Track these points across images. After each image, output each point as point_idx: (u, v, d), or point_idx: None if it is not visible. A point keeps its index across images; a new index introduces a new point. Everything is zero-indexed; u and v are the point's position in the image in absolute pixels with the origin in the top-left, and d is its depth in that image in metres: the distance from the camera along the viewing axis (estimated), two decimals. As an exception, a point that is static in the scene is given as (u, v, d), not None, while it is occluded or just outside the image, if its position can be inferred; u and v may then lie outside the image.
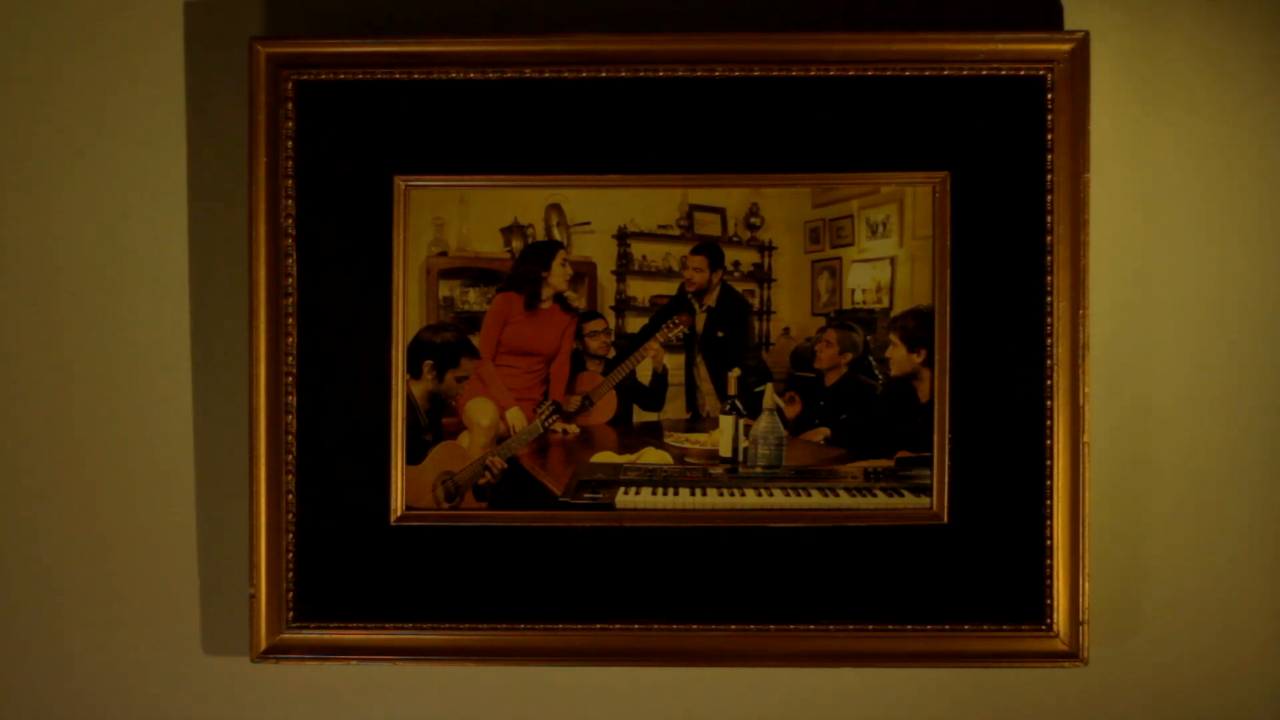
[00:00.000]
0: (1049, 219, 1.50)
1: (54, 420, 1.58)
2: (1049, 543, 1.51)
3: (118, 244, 1.58)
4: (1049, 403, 1.50)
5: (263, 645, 1.52)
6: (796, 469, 1.54)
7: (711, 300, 1.56)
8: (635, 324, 1.56)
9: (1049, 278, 1.50)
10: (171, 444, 1.58)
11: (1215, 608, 1.58)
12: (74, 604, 1.59)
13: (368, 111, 1.52)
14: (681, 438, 1.55)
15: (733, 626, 1.52)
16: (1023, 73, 1.50)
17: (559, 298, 1.55)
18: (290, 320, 1.52)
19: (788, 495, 1.53)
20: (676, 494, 1.54)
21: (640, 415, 1.56)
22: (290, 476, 1.52)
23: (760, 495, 1.54)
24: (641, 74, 1.51)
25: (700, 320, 1.56)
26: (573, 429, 1.56)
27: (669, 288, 1.55)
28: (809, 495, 1.53)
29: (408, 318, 1.53)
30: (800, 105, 1.51)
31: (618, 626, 1.53)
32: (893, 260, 1.52)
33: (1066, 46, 1.49)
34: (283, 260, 1.51)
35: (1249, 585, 1.58)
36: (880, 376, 1.53)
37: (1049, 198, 1.50)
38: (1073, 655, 1.51)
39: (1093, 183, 1.50)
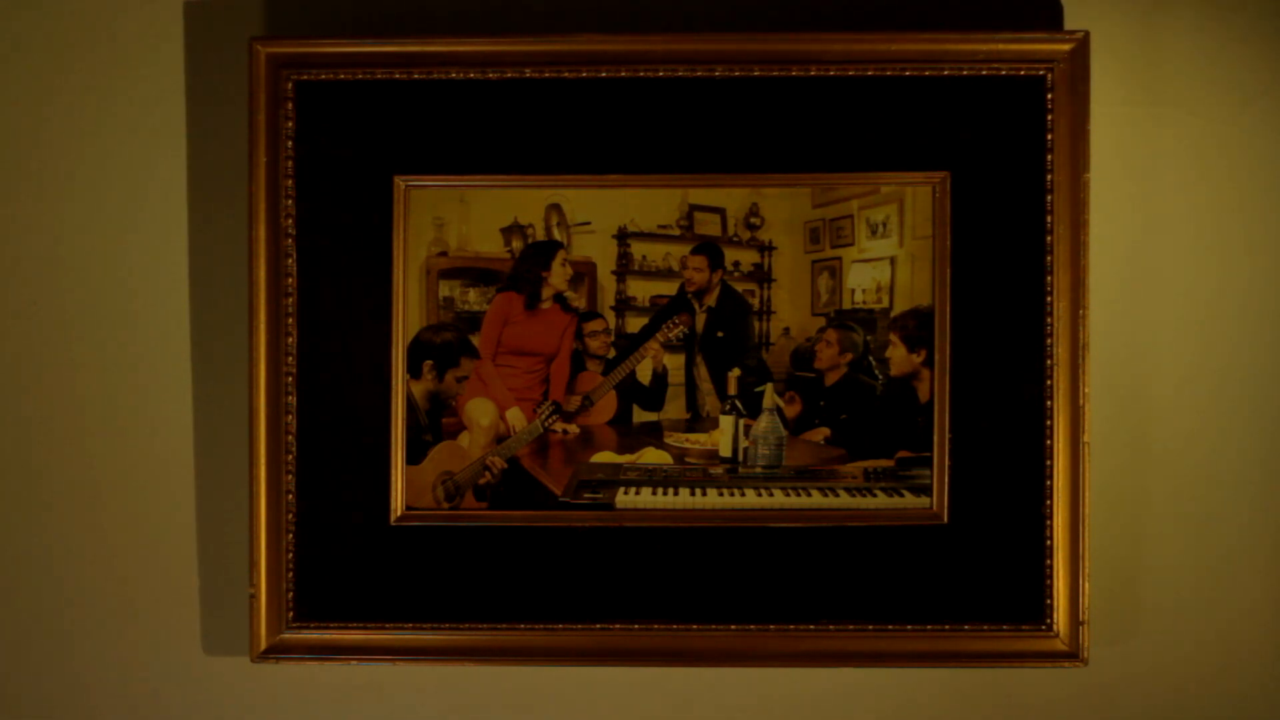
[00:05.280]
0: (1049, 219, 1.50)
1: (54, 420, 1.58)
2: (1049, 543, 1.51)
3: (118, 244, 1.58)
4: (1049, 403, 1.50)
5: (263, 645, 1.52)
6: (796, 469, 1.54)
7: (711, 300, 1.56)
8: (635, 324, 1.56)
9: (1049, 278, 1.50)
10: (172, 444, 1.58)
11: (1215, 608, 1.58)
12: (74, 604, 1.59)
13: (368, 111, 1.52)
14: (681, 438, 1.55)
15: (733, 626, 1.52)
16: (1023, 73, 1.50)
17: (559, 298, 1.55)
18: (290, 320, 1.52)
19: (788, 495, 1.53)
20: (676, 494, 1.54)
21: (640, 415, 1.56)
22: (290, 476, 1.52)
23: (760, 495, 1.54)
24: (641, 74, 1.51)
25: (700, 320, 1.56)
26: (573, 429, 1.56)
27: (669, 288, 1.55)
28: (809, 495, 1.53)
29: (408, 318, 1.53)
30: (800, 105, 1.51)
31: (618, 626, 1.53)
32: (893, 260, 1.52)
33: (1066, 46, 1.49)
34: (283, 260, 1.51)
35: (1249, 585, 1.58)
36: (880, 376, 1.53)
37: (1049, 198, 1.50)
38: (1073, 655, 1.51)
39: (1093, 183, 1.50)
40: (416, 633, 1.53)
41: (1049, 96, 1.49)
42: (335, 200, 1.52)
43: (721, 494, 1.54)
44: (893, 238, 1.52)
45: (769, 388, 1.54)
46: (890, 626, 1.52)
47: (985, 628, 1.52)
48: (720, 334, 1.56)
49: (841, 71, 1.50)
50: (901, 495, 1.53)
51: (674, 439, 1.55)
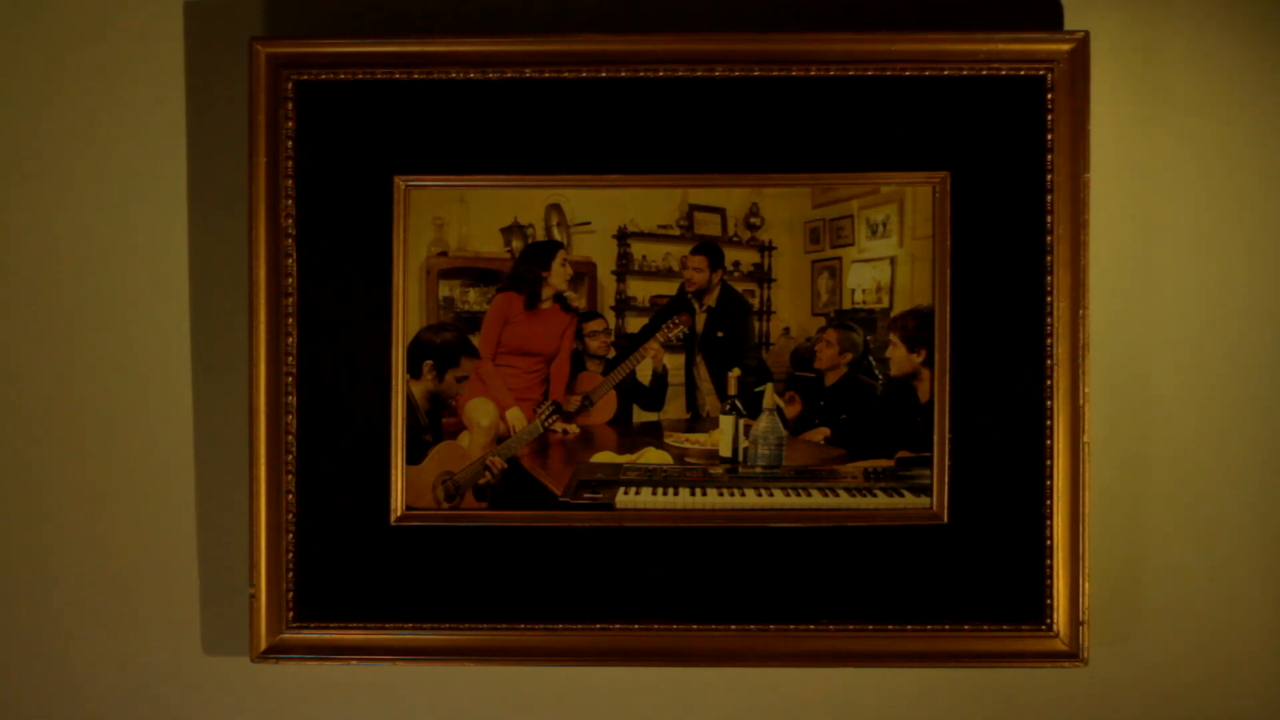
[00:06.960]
0: (1049, 219, 1.50)
1: (54, 420, 1.58)
2: (1049, 543, 1.51)
3: (118, 244, 1.58)
4: (1049, 403, 1.50)
5: (263, 645, 1.52)
6: (796, 469, 1.54)
7: (711, 300, 1.56)
8: (635, 324, 1.56)
9: (1049, 278, 1.50)
10: (171, 444, 1.58)
11: (1214, 608, 1.58)
12: (74, 604, 1.59)
13: (368, 111, 1.52)
14: (681, 438, 1.55)
15: (733, 626, 1.52)
16: (1023, 73, 1.50)
17: (559, 298, 1.55)
18: (290, 320, 1.52)
19: (788, 495, 1.53)
20: (676, 494, 1.54)
21: (640, 415, 1.56)
22: (290, 476, 1.52)
23: (760, 495, 1.54)
24: (641, 74, 1.51)
25: (700, 320, 1.56)
26: (573, 429, 1.56)
27: (669, 288, 1.55)
28: (809, 495, 1.53)
29: (408, 318, 1.53)
30: (800, 105, 1.51)
31: (618, 626, 1.53)
32: (893, 260, 1.52)
33: (1066, 46, 1.49)
34: (283, 260, 1.51)
35: (1249, 585, 1.58)
36: (880, 376, 1.53)
37: (1049, 198, 1.50)
38: (1073, 655, 1.51)
39: (1093, 183, 1.50)
40: (416, 633, 1.53)
41: (1049, 96, 1.49)
42: (335, 200, 1.52)
43: (721, 494, 1.54)
44: (893, 238, 1.52)
45: (769, 388, 1.54)
46: (890, 626, 1.52)
47: (985, 628, 1.52)
48: (720, 334, 1.56)
49: (841, 71, 1.50)
50: (901, 495, 1.53)
51: (674, 439, 1.55)
